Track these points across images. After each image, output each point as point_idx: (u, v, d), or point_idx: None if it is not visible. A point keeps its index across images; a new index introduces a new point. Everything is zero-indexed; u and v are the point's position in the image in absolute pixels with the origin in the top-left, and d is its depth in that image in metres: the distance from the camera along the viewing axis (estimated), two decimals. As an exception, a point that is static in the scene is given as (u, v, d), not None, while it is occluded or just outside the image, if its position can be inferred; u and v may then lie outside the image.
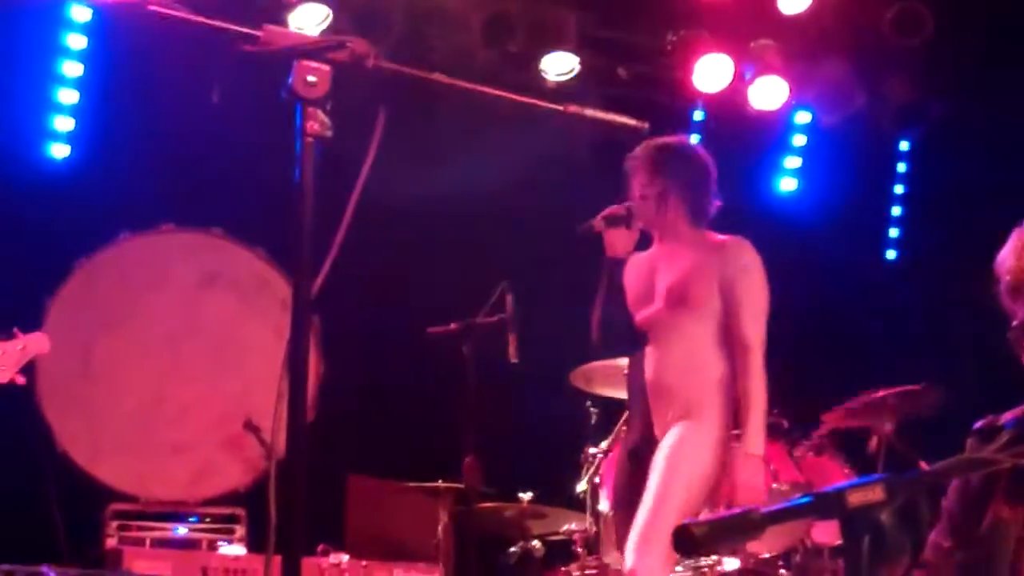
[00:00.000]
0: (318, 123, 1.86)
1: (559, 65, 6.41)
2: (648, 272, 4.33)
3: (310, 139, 1.86)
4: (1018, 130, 6.72)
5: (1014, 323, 2.33)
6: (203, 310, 5.93)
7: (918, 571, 2.42)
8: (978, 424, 2.36)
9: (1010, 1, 6.44)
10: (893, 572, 1.56)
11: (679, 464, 4.01)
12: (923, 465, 5.33)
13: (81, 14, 6.30)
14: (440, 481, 5.41)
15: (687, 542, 1.50)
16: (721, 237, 4.32)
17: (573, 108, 1.97)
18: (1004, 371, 2.37)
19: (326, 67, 1.86)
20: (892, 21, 6.33)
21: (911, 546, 1.56)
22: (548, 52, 6.38)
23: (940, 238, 7.14)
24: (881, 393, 5.44)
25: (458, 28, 6.27)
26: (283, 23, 5.97)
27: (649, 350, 4.23)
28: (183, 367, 5.85)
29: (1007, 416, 2.32)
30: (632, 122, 1.99)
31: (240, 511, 5.72)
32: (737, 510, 1.64)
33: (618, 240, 4.30)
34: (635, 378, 4.30)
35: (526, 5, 6.31)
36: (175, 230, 5.96)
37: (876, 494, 1.58)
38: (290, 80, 1.85)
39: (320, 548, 4.96)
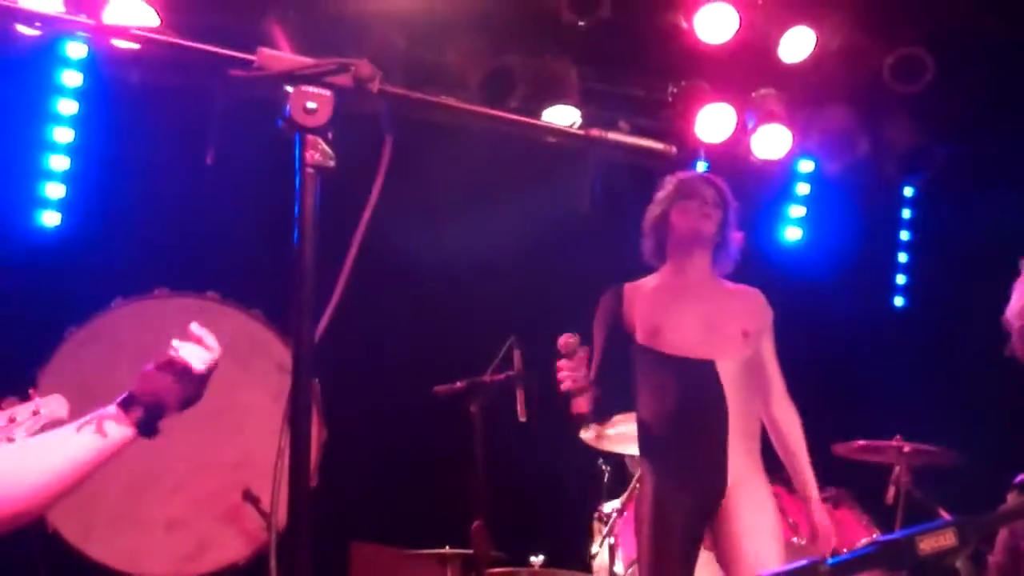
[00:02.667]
0: (319, 152, 1.72)
1: (561, 119, 6.33)
2: (666, 302, 4.19)
3: (311, 170, 1.71)
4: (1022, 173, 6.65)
5: None
6: (198, 376, 5.75)
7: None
8: (1019, 479, 2.36)
9: (1011, 43, 6.39)
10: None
11: (770, 526, 3.97)
12: (943, 514, 5.20)
13: (72, 79, 6.24)
14: (447, 547, 5.24)
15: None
16: (736, 285, 4.28)
17: (596, 132, 1.84)
18: (1016, 417, 2.33)
19: (327, 92, 1.73)
20: (892, 67, 6.27)
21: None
22: (549, 106, 6.30)
23: (948, 284, 7.04)
24: (896, 442, 5.35)
25: (456, 85, 6.20)
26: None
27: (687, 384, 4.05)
28: (177, 437, 5.59)
29: None
30: (660, 146, 1.87)
31: (241, 584, 5.51)
32: (805, 562, 1.49)
33: None
34: (665, 410, 4.03)
35: (526, 60, 6.24)
36: (169, 295, 5.81)
37: (948, 540, 1.44)
38: (287, 107, 1.71)
39: (323, 621, 4.76)
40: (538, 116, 6.31)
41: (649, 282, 4.31)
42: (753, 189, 6.97)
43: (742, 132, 6.49)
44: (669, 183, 4.45)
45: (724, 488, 3.92)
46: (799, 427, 4.15)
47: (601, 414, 4.31)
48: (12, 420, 3.47)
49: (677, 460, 3.98)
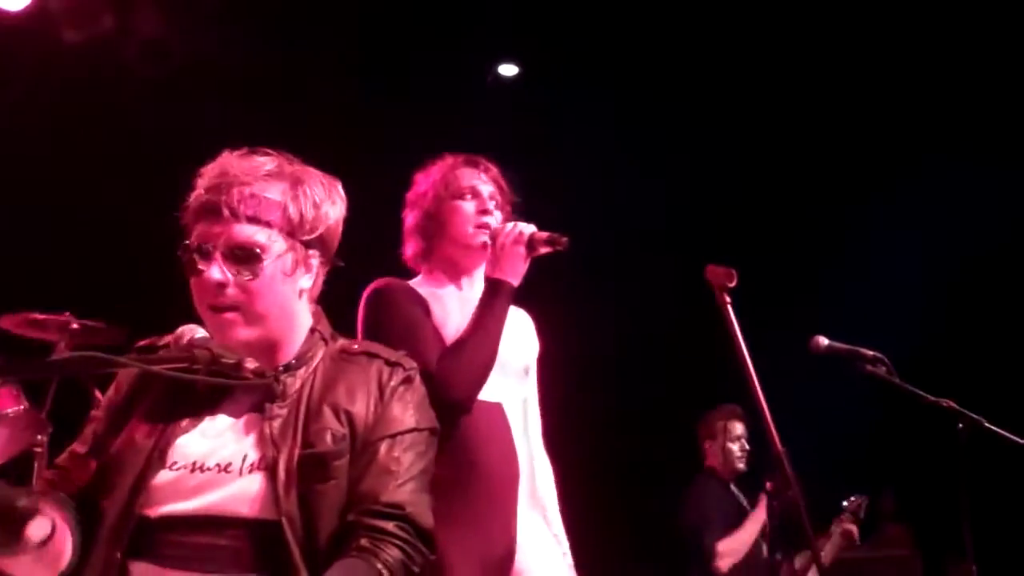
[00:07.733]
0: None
1: None
2: (460, 322, 3.13)
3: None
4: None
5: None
6: None
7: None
8: (141, 343, 2.28)
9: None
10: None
11: None
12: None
13: None
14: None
15: None
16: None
17: None
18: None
19: None
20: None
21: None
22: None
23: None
24: (66, 316, 4.80)
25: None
26: None
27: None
28: None
29: (190, 338, 2.20)
30: None
31: None
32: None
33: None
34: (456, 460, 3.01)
35: None
36: None
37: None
38: None
39: None
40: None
41: (424, 290, 3.21)
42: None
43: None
44: (438, 169, 3.30)
45: (514, 549, 3.10)
46: (552, 476, 3.34)
47: None
48: None
49: (463, 519, 3.06)
